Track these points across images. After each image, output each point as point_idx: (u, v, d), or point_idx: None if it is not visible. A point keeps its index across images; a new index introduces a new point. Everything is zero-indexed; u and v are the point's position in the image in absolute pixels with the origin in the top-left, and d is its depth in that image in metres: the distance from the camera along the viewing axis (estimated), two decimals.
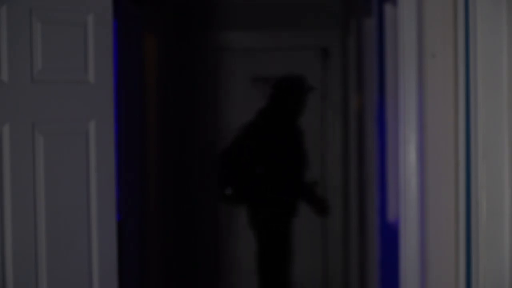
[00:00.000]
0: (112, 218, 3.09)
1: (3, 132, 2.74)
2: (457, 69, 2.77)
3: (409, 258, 3.08)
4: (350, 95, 6.05)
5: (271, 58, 6.69)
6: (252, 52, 6.73)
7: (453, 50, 2.82)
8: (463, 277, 2.72)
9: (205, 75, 6.70)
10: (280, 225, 5.65)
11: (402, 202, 3.09)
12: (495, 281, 2.49)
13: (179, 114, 6.53)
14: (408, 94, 3.06)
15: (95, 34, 3.01)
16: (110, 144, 3.08)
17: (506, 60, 2.46)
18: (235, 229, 6.68)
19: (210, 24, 6.70)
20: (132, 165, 4.86)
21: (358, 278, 5.80)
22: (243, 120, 5.81)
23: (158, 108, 5.71)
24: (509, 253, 2.49)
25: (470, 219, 2.60)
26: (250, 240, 5.78)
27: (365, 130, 5.15)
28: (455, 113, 2.82)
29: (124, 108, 4.67)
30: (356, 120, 5.69)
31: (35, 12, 2.82)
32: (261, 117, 5.66)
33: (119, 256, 3.17)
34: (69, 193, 2.94)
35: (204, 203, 6.66)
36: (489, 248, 2.49)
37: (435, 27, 2.88)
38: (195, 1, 6.68)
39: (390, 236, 4.00)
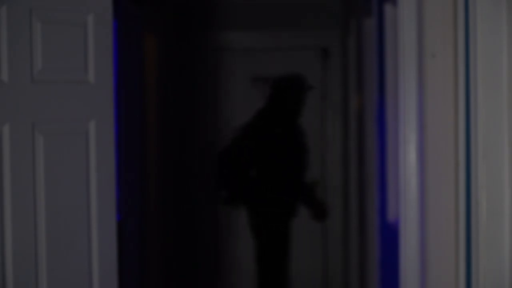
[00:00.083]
0: (112, 218, 3.09)
1: (3, 132, 2.74)
2: (457, 69, 2.77)
3: (409, 258, 3.08)
4: (350, 95, 6.05)
5: (271, 58, 6.69)
6: (252, 52, 6.73)
7: (453, 50, 2.82)
8: (463, 277, 2.72)
9: (205, 75, 6.70)
10: (280, 226, 5.65)
11: (402, 202, 3.09)
12: (495, 281, 2.49)
13: (179, 114, 6.53)
14: (408, 94, 3.06)
15: (95, 34, 3.01)
16: (110, 144, 3.08)
17: (506, 60, 2.46)
18: (235, 229, 6.67)
19: (210, 24, 6.70)
20: (132, 165, 4.86)
21: (358, 278, 5.80)
22: (243, 120, 5.81)
23: (158, 108, 5.71)
24: (509, 253, 2.49)
25: (470, 219, 2.60)
26: (250, 240, 5.78)
27: (365, 130, 5.15)
28: (455, 113, 2.82)
29: (124, 108, 4.67)
30: (356, 120, 5.69)
31: (35, 12, 2.82)
32: (260, 117, 5.66)
33: (119, 256, 3.17)
34: (69, 193, 2.94)
35: (204, 203, 6.66)
36: (489, 248, 2.49)
37: (435, 27, 2.88)
38: (195, 1, 6.68)
39: (390, 236, 4.00)
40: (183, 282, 6.65)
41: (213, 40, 6.69)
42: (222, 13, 6.70)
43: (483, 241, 2.49)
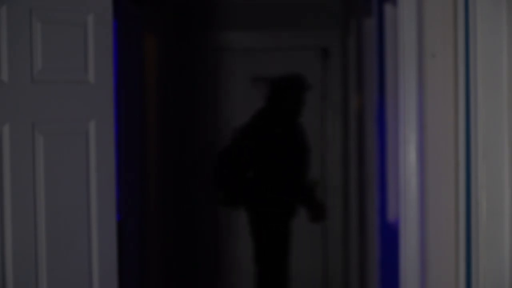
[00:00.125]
0: (112, 218, 3.09)
1: (3, 132, 2.74)
2: (457, 69, 2.77)
3: (409, 258, 3.08)
4: (350, 95, 6.05)
5: (271, 58, 6.69)
6: (252, 52, 6.73)
7: (453, 50, 2.82)
8: (463, 277, 2.72)
9: (205, 75, 6.70)
10: (280, 226, 5.65)
11: (402, 202, 3.09)
12: (495, 281, 2.49)
13: (179, 114, 6.53)
14: (408, 94, 3.06)
15: (95, 34, 3.01)
16: (110, 144, 3.08)
17: (506, 60, 2.46)
18: (235, 229, 6.68)
19: (210, 24, 6.70)
20: (132, 165, 4.86)
21: (358, 278, 5.80)
22: (243, 120, 5.81)
23: (158, 108, 5.71)
24: (509, 253, 2.49)
25: (470, 219, 2.60)
26: (250, 240, 5.78)
27: (365, 130, 5.15)
28: (455, 113, 2.82)
29: (124, 108, 4.67)
30: (356, 120, 5.69)
31: (35, 12, 2.82)
32: (259, 118, 5.66)
33: (119, 256, 3.17)
34: (69, 193, 2.94)
35: (204, 203, 6.66)
36: (489, 248, 2.49)
37: (435, 27, 2.88)
38: (195, 1, 6.68)
39: (390, 236, 4.00)
40: (183, 282, 6.66)
41: (213, 40, 6.69)
42: (222, 13, 6.70)
43: (483, 241, 2.49)
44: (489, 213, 2.48)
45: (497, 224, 2.48)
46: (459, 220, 2.74)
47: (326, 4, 6.65)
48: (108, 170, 3.07)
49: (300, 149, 5.74)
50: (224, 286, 6.77)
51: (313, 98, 6.50)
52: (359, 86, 5.50)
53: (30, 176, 2.82)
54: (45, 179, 2.86)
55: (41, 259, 2.85)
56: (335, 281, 6.73)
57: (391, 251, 3.82)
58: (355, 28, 5.64)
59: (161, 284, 5.81)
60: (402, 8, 3.05)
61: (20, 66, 2.78)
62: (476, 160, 2.52)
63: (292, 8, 6.68)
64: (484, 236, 2.49)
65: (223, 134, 6.47)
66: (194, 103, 6.65)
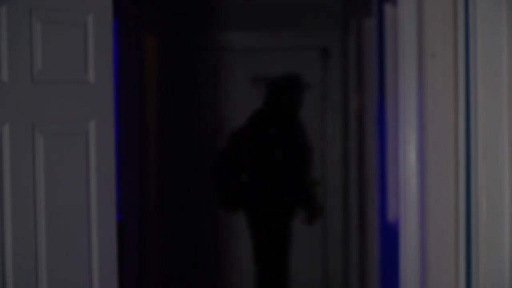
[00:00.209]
0: (112, 218, 3.09)
1: (3, 132, 2.74)
2: (457, 69, 2.77)
3: (409, 258, 3.08)
4: (350, 95, 6.05)
5: (271, 58, 6.69)
6: (252, 52, 6.73)
7: (453, 50, 2.82)
8: (463, 277, 2.72)
9: (205, 75, 6.70)
10: (280, 226, 5.65)
11: (402, 202, 3.09)
12: (495, 281, 2.49)
13: (179, 114, 6.53)
14: (408, 94, 3.06)
15: (95, 34, 3.01)
16: (110, 144, 3.08)
17: (506, 60, 2.46)
18: (235, 229, 6.67)
19: (210, 24, 6.70)
20: (132, 165, 4.86)
21: (358, 278, 5.80)
22: (243, 120, 5.81)
23: (158, 108, 5.71)
24: (509, 253, 2.49)
25: (470, 219, 2.60)
26: (250, 240, 5.78)
27: (365, 130, 5.15)
28: (455, 113, 2.82)
29: (124, 108, 4.67)
30: (356, 120, 5.69)
31: (35, 12, 2.82)
32: (258, 118, 5.66)
33: (119, 256, 3.17)
34: (69, 193, 2.94)
35: (204, 203, 6.66)
36: (489, 248, 2.49)
37: (435, 27, 2.88)
38: (195, 1, 6.68)
39: (390, 236, 4.00)
40: (183, 282, 6.66)
41: (213, 40, 6.70)
42: (222, 13, 6.70)
43: (483, 241, 2.49)
44: (489, 213, 2.48)
45: (497, 224, 2.48)
46: (459, 220, 2.74)
47: (326, 4, 6.65)
48: (108, 170, 3.07)
49: (300, 149, 5.74)
50: (224, 286, 6.77)
51: (313, 98, 6.51)
52: (359, 86, 5.50)
53: (30, 176, 2.82)
54: (45, 179, 2.86)
55: (41, 259, 2.85)
56: (335, 281, 6.73)
57: (391, 251, 3.82)
58: (355, 28, 5.64)
59: (161, 284, 5.81)
60: (402, 8, 3.05)
61: (20, 66, 2.78)
62: (476, 160, 2.52)
63: (292, 8, 6.68)
64: (484, 236, 2.49)
65: (223, 134, 6.47)
66: (194, 103, 6.65)
